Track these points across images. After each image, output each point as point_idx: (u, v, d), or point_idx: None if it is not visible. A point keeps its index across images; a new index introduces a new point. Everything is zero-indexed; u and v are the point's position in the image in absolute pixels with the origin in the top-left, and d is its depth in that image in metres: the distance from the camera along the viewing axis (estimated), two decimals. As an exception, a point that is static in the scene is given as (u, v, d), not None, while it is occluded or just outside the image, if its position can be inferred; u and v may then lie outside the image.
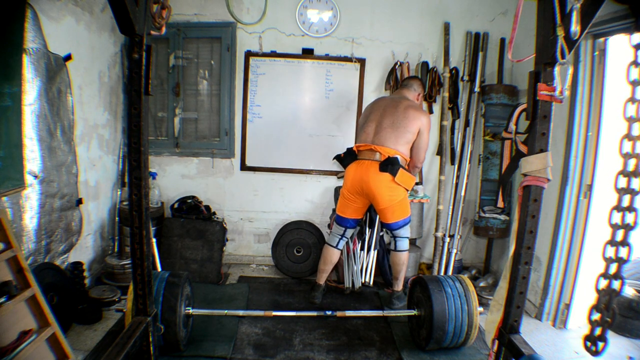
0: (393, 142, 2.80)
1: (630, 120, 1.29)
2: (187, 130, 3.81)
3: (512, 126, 2.91)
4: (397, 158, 2.79)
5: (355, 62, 3.65)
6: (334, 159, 3.15)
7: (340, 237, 3.09)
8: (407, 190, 2.90)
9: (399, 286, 3.13)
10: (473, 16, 3.62)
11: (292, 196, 3.89)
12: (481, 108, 3.61)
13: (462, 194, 3.63)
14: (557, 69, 1.58)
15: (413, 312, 2.63)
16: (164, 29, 1.72)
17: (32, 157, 2.46)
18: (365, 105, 3.71)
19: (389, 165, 2.75)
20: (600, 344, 1.33)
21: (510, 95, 3.44)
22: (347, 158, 2.96)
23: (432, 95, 3.63)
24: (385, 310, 3.07)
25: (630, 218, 1.29)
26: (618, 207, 1.32)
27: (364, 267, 3.42)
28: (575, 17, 1.41)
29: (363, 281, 3.40)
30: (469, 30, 3.62)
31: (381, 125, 2.84)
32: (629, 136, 1.30)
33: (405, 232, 3.01)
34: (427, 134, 2.87)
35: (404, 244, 3.02)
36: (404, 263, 3.05)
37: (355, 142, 2.99)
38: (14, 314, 1.94)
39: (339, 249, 3.12)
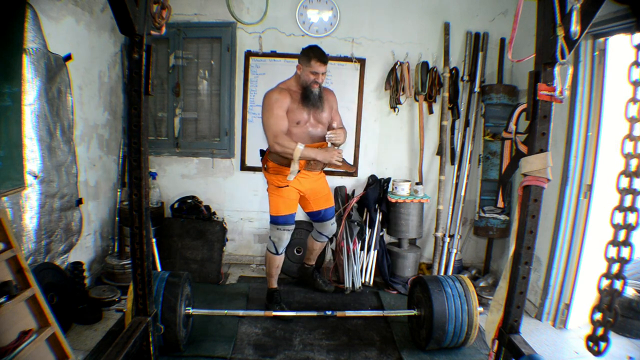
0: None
1: (632, 121, 1.29)
2: (187, 130, 3.81)
3: (512, 126, 2.90)
4: None
5: (355, 62, 3.65)
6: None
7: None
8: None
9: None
10: (473, 16, 3.62)
11: (292, 196, 3.87)
12: (481, 108, 3.61)
13: (462, 194, 3.63)
14: (557, 69, 1.58)
15: (413, 312, 2.63)
16: (164, 29, 1.72)
17: (32, 157, 2.46)
18: (365, 105, 3.72)
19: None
20: (603, 344, 1.33)
21: (510, 95, 3.44)
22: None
23: (432, 95, 3.62)
24: (385, 310, 3.07)
25: (632, 218, 1.29)
26: (620, 207, 1.32)
27: (364, 267, 3.42)
28: (575, 17, 1.41)
29: (363, 281, 3.41)
30: (469, 30, 3.62)
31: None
32: (630, 136, 1.30)
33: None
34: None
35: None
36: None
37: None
38: (14, 314, 1.94)
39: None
